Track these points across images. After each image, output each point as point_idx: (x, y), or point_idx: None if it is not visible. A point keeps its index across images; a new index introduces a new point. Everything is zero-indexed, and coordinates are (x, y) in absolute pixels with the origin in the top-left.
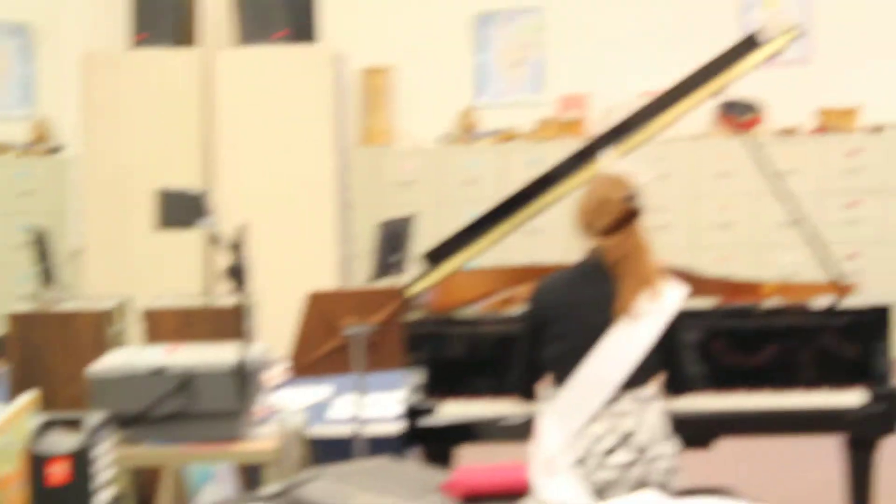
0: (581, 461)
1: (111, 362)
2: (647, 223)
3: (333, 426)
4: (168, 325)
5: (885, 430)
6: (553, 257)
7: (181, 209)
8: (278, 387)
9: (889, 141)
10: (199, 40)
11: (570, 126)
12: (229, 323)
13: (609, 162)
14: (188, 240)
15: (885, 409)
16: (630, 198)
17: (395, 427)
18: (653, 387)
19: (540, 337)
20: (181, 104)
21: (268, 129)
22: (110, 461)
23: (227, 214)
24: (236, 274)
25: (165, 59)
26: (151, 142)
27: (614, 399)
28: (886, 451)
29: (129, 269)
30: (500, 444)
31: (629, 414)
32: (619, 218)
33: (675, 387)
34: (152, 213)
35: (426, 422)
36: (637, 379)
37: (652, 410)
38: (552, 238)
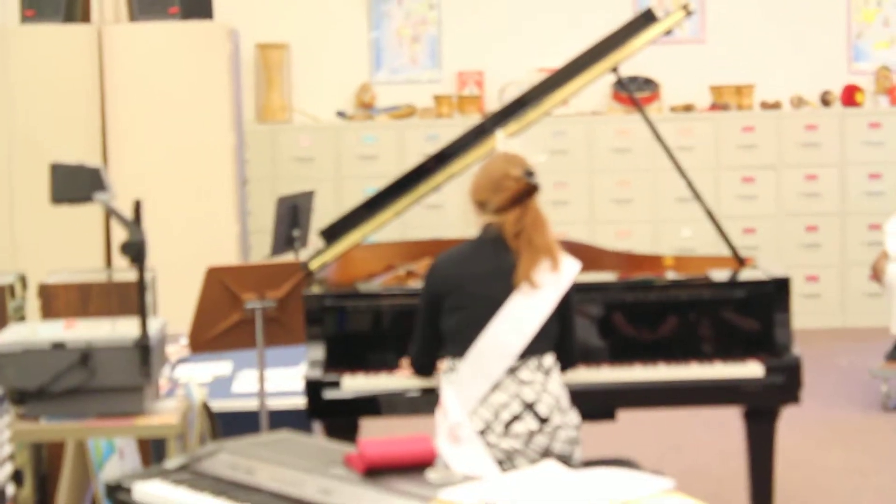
0: (485, 430)
1: (10, 336)
2: (544, 199)
3: (238, 400)
4: (65, 300)
5: (785, 400)
6: (453, 232)
7: (76, 184)
8: (180, 361)
9: (783, 118)
10: (89, 17)
11: (468, 102)
12: (129, 298)
13: (505, 142)
14: (89, 215)
15: (786, 379)
16: (528, 174)
17: (300, 401)
18: (552, 356)
19: (438, 310)
20: (73, 81)
21: (163, 105)
22: (7, 437)
23: (125, 191)
24: (132, 249)
25: (55, 36)
26: (44, 118)
27: (516, 367)
28: (785, 421)
29: (27, 245)
30: (403, 417)
31: (531, 383)
32: (516, 194)
33: (573, 357)
34: (49, 187)
35: (329, 395)
36: (538, 347)
37: (553, 380)
38: (452, 213)
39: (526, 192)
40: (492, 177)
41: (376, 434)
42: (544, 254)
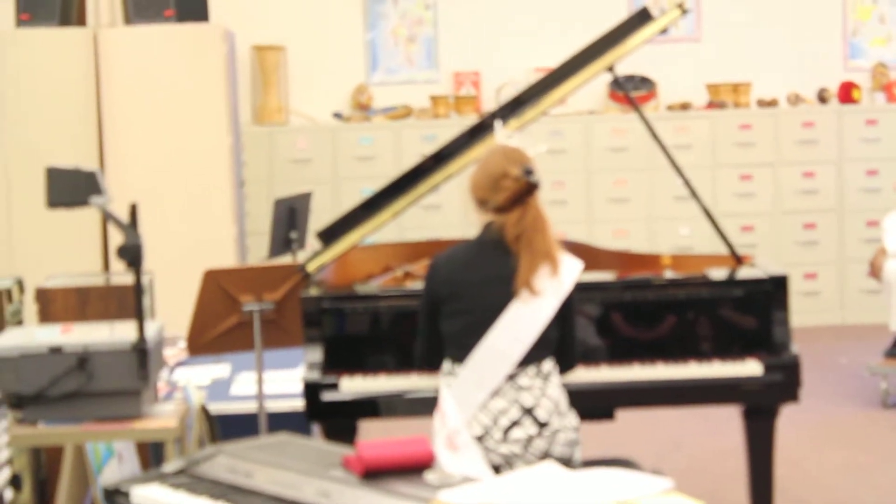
0: (483, 436)
1: (7, 341)
2: (544, 198)
3: (237, 402)
4: (63, 304)
5: (784, 398)
6: (451, 233)
7: (72, 187)
8: (178, 364)
9: (779, 115)
10: (85, 20)
11: (465, 102)
12: (126, 301)
13: (504, 135)
14: (86, 219)
15: (785, 377)
16: (527, 172)
17: (299, 403)
18: (551, 360)
19: (438, 312)
20: (69, 84)
21: (160, 108)
22: (5, 442)
23: (122, 194)
24: (129, 252)
25: (51, 40)
26: (41, 122)
27: (515, 374)
28: (785, 419)
29: (24, 249)
30: (403, 419)
31: (530, 388)
32: (516, 193)
33: (573, 360)
34: (45, 191)
35: (328, 397)
36: (537, 353)
37: (552, 384)
38: (450, 214)
39: (526, 191)
40: (491, 175)
41: (375, 436)
42: (544, 258)
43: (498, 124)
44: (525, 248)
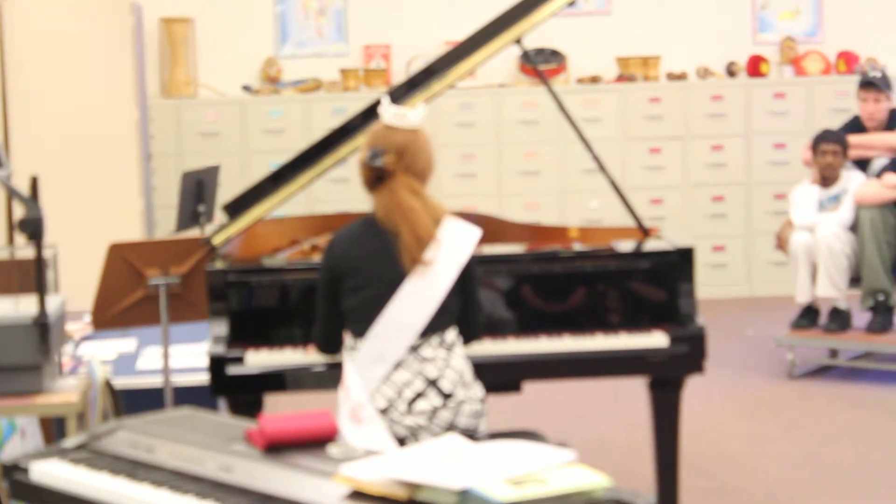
0: (388, 408)
1: None
2: (451, 172)
3: (143, 377)
4: None
5: (689, 369)
6: (359, 206)
7: None
8: (83, 339)
9: (689, 89)
10: None
11: (374, 76)
12: (29, 275)
13: (386, 108)
14: None
15: (690, 349)
16: (373, 156)
17: (206, 377)
18: (454, 330)
19: (337, 290)
20: None
21: (65, 80)
22: None
23: (27, 166)
24: (30, 226)
25: None
26: None
27: (418, 345)
28: (693, 390)
29: None
30: (309, 392)
31: (433, 360)
32: (369, 178)
33: (477, 330)
34: None
35: (233, 371)
36: (439, 323)
37: (455, 355)
38: (358, 187)
39: (376, 176)
40: (360, 159)
41: (283, 410)
42: (424, 238)
43: (385, 98)
44: (401, 226)
